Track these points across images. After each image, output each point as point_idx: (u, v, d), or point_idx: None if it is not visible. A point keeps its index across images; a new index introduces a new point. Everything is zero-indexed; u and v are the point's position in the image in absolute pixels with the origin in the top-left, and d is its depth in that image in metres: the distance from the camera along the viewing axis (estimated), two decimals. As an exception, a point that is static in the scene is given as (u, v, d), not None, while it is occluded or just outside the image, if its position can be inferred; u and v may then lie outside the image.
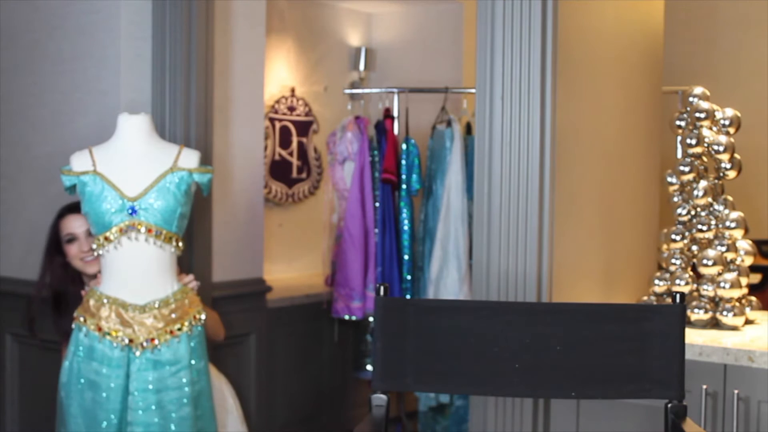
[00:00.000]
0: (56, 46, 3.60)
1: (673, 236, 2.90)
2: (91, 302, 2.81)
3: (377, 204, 4.25)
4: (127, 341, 2.76)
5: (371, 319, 4.24)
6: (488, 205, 2.67)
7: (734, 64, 4.64)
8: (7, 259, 3.81)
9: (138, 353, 2.76)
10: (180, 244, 2.83)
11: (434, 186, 4.21)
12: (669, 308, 2.01)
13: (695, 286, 2.83)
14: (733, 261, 2.82)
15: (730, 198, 2.87)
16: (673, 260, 2.88)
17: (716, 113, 2.87)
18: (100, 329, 2.77)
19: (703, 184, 2.85)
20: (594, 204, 2.88)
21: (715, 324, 2.77)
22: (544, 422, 2.63)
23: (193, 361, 2.82)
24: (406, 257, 4.24)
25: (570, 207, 2.71)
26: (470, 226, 4.02)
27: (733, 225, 2.82)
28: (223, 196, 3.60)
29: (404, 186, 4.24)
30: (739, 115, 2.87)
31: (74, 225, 3.03)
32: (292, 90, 4.86)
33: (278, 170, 4.78)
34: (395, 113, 4.40)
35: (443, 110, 4.27)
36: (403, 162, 4.22)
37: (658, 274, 2.93)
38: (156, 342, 2.77)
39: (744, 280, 2.81)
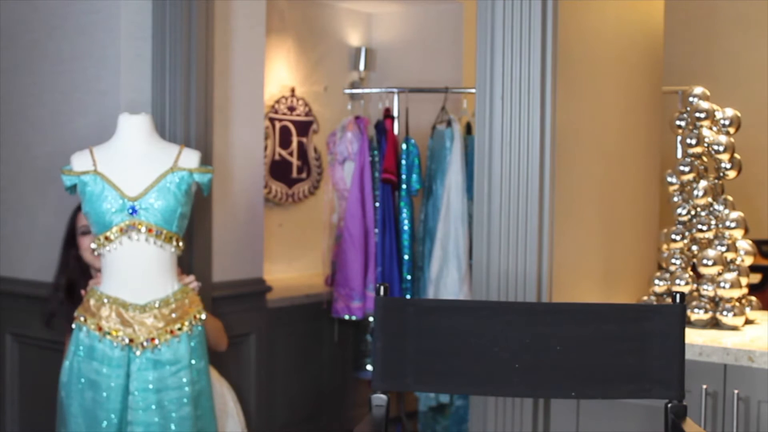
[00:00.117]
0: (56, 46, 3.60)
1: (673, 236, 2.90)
2: (92, 302, 2.81)
3: (377, 204, 4.25)
4: (127, 341, 2.76)
5: (371, 319, 4.24)
6: (488, 205, 2.67)
7: (734, 64, 4.64)
8: (7, 259, 3.81)
9: (138, 353, 2.76)
10: (180, 243, 2.83)
11: (434, 186, 4.21)
12: (669, 308, 2.01)
13: (695, 286, 2.83)
14: (733, 261, 2.83)
15: (730, 198, 2.87)
16: (673, 260, 2.88)
17: (716, 113, 2.87)
18: (100, 329, 2.77)
19: (703, 184, 2.85)
20: (594, 204, 2.88)
21: (715, 324, 2.77)
22: (544, 422, 2.63)
23: (193, 361, 2.82)
24: (406, 257, 4.24)
25: (570, 207, 2.71)
26: (470, 226, 4.02)
27: (733, 225, 2.82)
28: (223, 196, 3.60)
29: (404, 186, 4.24)
30: (739, 115, 2.87)
31: None
32: (292, 90, 4.86)
33: (278, 170, 4.78)
34: (395, 113, 4.40)
35: (443, 110, 4.27)
36: (403, 162, 4.23)
37: (658, 274, 2.93)
38: (156, 342, 2.77)
39: (744, 280, 2.81)
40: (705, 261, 2.77)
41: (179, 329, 2.80)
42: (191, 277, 2.97)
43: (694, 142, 2.86)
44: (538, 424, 2.62)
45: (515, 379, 2.04)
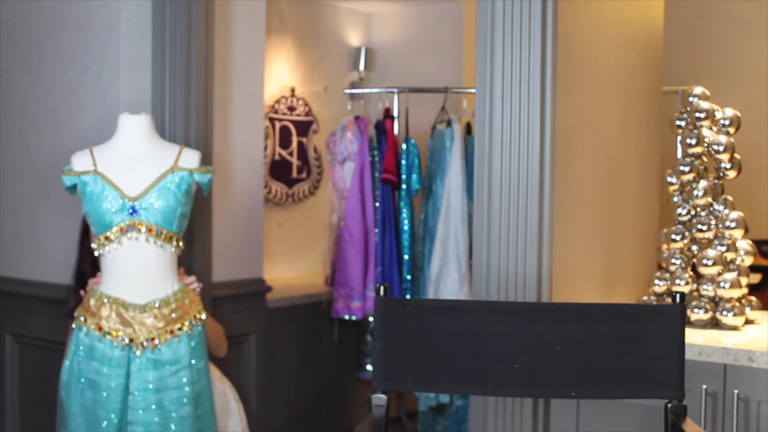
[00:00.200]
0: (56, 46, 3.60)
1: (673, 236, 2.90)
2: (92, 302, 2.81)
3: (377, 204, 4.25)
4: (127, 341, 2.76)
5: (371, 319, 4.24)
6: (488, 205, 2.67)
7: (734, 64, 4.64)
8: (7, 259, 3.81)
9: (138, 353, 2.76)
10: (180, 243, 2.83)
11: (434, 186, 4.21)
12: (669, 308, 2.01)
13: (695, 286, 2.83)
14: (733, 261, 2.83)
15: (730, 198, 2.87)
16: (673, 260, 2.88)
17: (716, 113, 2.87)
18: (100, 329, 2.77)
19: (703, 184, 2.85)
20: (594, 204, 2.88)
21: (715, 324, 2.77)
22: (544, 422, 2.63)
23: (193, 361, 2.82)
24: (406, 257, 4.24)
25: (570, 207, 2.71)
26: (470, 226, 4.02)
27: (733, 225, 2.82)
28: (223, 196, 3.60)
29: (404, 186, 4.24)
30: (739, 115, 2.87)
31: None
32: (292, 90, 4.86)
33: (278, 170, 4.78)
34: (395, 113, 4.40)
35: (443, 110, 4.27)
36: (403, 162, 4.22)
37: (658, 274, 2.93)
38: (156, 341, 2.77)
39: (744, 280, 2.81)
40: (705, 261, 2.77)
41: (179, 329, 2.80)
42: (192, 278, 2.97)
43: (694, 142, 2.86)
44: (538, 424, 2.62)
45: (515, 379, 2.04)
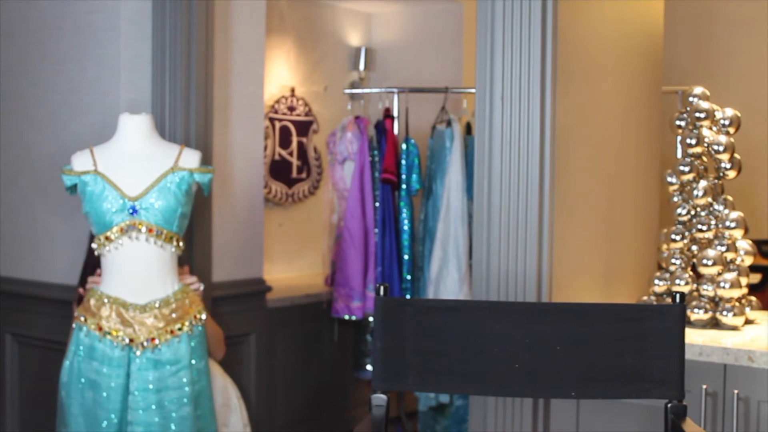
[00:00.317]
0: (56, 46, 3.60)
1: (673, 236, 2.90)
2: (92, 302, 2.81)
3: (377, 204, 4.25)
4: (127, 341, 2.76)
5: (371, 319, 4.24)
6: (488, 205, 2.67)
7: (734, 64, 4.64)
8: (7, 259, 3.81)
9: (138, 353, 2.76)
10: (180, 243, 2.83)
11: (434, 186, 4.21)
12: (669, 308, 2.01)
13: (695, 286, 2.83)
14: (733, 261, 2.83)
15: (730, 198, 2.87)
16: (673, 260, 2.88)
17: (716, 113, 2.87)
18: (100, 329, 2.77)
19: (703, 184, 2.85)
20: (594, 204, 2.88)
21: (715, 324, 2.77)
22: (544, 422, 2.63)
23: (193, 361, 2.82)
24: (406, 257, 4.24)
25: (570, 207, 2.71)
26: (470, 226, 4.02)
27: (733, 225, 2.82)
28: (223, 196, 3.60)
29: (404, 186, 4.24)
30: (739, 115, 2.87)
31: None
32: (292, 90, 4.86)
33: (278, 170, 4.78)
34: (395, 113, 4.40)
35: (443, 110, 4.27)
36: (403, 162, 4.23)
37: (658, 274, 2.93)
38: (156, 342, 2.77)
39: (744, 280, 2.81)
40: (705, 261, 2.77)
41: (179, 329, 2.80)
42: (194, 278, 2.96)
43: (694, 142, 2.86)
44: (538, 424, 2.62)
45: (515, 379, 2.04)
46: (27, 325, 3.69)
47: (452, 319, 2.07)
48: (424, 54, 5.17)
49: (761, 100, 4.46)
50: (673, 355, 1.99)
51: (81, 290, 2.96)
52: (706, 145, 2.85)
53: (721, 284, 2.75)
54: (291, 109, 4.84)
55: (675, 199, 2.93)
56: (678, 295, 2.01)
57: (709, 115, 2.85)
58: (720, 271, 2.78)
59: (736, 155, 2.86)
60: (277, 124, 4.77)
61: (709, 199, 2.85)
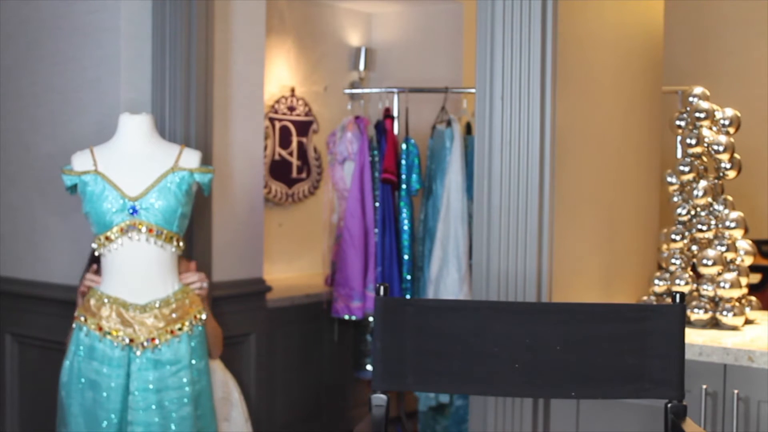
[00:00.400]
0: (56, 46, 3.60)
1: (673, 236, 2.90)
2: (92, 302, 2.81)
3: (377, 204, 4.26)
4: (127, 341, 2.76)
5: (371, 319, 4.24)
6: (488, 205, 2.67)
7: (734, 64, 4.64)
8: (7, 259, 3.81)
9: (138, 353, 2.76)
10: (181, 243, 2.83)
11: (434, 186, 4.21)
12: (669, 308, 2.01)
13: (695, 286, 2.83)
14: (733, 261, 2.83)
15: (729, 198, 2.87)
16: (673, 260, 2.88)
17: (716, 113, 2.87)
18: (100, 329, 2.77)
19: (703, 184, 2.85)
20: (594, 204, 2.88)
21: (715, 324, 2.77)
22: (544, 422, 2.63)
23: (193, 361, 2.82)
24: (406, 257, 4.24)
25: (570, 207, 2.71)
26: (470, 226, 4.02)
27: (733, 225, 2.82)
28: (223, 196, 3.60)
29: (404, 186, 4.24)
30: (739, 115, 2.87)
31: None
32: (292, 90, 4.86)
33: (278, 170, 4.78)
34: (395, 113, 4.40)
35: (443, 110, 4.27)
36: (403, 162, 4.23)
37: (658, 274, 2.93)
38: (156, 342, 2.77)
39: (744, 280, 2.81)
40: (705, 261, 2.77)
41: (180, 329, 2.80)
42: (195, 277, 2.94)
43: (694, 142, 2.86)
44: (538, 424, 2.62)
45: (515, 379, 2.04)
46: (27, 325, 3.69)
47: (452, 319, 2.07)
48: (424, 54, 5.17)
49: (761, 100, 4.46)
50: (673, 355, 1.99)
51: (82, 290, 2.95)
52: (706, 145, 2.85)
53: (721, 284, 2.75)
54: (291, 109, 4.84)
55: (675, 199, 2.93)
56: (678, 295, 2.01)
57: (709, 115, 2.85)
58: (720, 271, 2.78)
59: (736, 155, 2.86)
60: (277, 124, 4.77)
61: (709, 199, 2.85)
